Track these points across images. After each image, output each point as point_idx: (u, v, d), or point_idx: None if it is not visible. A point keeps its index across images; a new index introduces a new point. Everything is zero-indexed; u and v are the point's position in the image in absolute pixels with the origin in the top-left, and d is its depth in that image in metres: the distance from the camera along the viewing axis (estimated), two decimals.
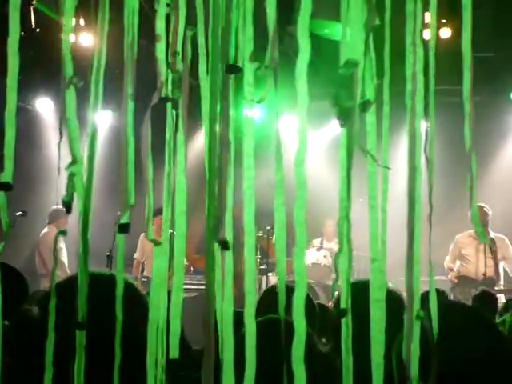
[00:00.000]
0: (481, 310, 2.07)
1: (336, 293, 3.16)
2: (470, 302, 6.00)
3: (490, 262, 9.23)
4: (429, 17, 1.21)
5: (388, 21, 1.22)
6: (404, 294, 2.64)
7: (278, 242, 1.12)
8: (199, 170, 1.52)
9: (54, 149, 10.88)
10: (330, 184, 10.14)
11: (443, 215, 7.42)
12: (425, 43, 1.20)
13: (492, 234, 9.32)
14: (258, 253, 10.41)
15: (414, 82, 1.19)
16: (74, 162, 1.18)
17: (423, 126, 1.20)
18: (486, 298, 5.61)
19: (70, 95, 1.19)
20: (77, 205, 1.21)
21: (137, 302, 1.72)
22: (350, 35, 1.09)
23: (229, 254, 1.15)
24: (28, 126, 11.17)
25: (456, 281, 9.48)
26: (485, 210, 9.18)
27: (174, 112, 1.29)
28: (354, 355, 1.20)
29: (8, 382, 1.41)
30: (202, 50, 1.28)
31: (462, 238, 9.58)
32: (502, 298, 8.28)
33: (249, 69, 1.17)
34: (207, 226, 1.12)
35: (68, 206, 1.19)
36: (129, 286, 1.45)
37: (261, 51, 1.15)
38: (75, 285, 1.21)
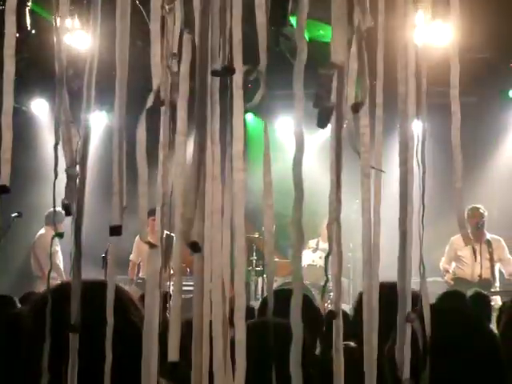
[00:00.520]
0: (473, 311, 2.08)
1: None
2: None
3: (486, 264, 9.17)
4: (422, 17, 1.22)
5: (381, 23, 1.23)
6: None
7: (267, 245, 1.13)
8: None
9: (50, 150, 10.81)
10: (326, 184, 10.10)
11: (438, 217, 7.43)
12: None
13: (488, 236, 9.24)
14: (255, 254, 10.39)
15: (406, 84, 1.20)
16: (72, 164, 1.19)
17: (417, 127, 1.20)
18: (479, 300, 5.62)
19: (65, 97, 1.19)
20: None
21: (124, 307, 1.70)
22: (332, 36, 1.09)
23: (220, 257, 1.16)
24: (23, 127, 11.14)
25: (452, 283, 9.44)
26: (480, 211, 9.09)
27: (170, 113, 1.29)
28: None
29: None
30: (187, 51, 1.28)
31: (458, 240, 9.49)
32: (498, 300, 8.26)
33: (238, 72, 1.17)
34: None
35: (67, 208, 1.20)
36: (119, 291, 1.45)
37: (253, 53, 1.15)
38: (66, 292, 1.21)
